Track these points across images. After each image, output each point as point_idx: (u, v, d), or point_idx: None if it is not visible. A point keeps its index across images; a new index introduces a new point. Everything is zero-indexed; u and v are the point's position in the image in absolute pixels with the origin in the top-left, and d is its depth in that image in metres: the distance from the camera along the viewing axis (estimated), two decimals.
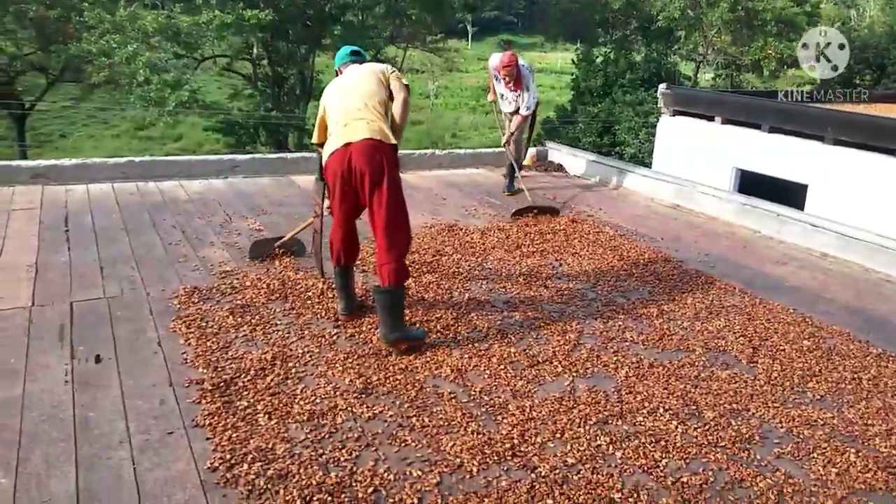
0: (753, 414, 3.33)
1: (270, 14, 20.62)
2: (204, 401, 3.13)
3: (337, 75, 4.12)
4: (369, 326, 3.91)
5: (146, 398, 3.15)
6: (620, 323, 4.23)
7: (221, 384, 3.27)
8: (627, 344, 3.97)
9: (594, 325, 4.19)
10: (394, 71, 3.92)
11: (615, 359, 3.77)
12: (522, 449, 2.94)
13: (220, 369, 3.41)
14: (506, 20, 57.62)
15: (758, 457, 3.00)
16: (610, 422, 3.19)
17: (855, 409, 3.44)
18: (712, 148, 8.59)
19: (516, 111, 6.93)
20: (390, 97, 3.84)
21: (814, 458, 3.02)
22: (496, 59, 6.92)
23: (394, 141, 3.66)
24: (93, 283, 4.35)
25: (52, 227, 5.31)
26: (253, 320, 3.95)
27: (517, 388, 3.42)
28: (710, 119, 8.65)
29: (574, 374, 3.59)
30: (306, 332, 3.85)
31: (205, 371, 3.39)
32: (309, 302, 4.21)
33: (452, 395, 3.32)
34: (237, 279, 4.50)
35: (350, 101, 3.73)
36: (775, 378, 3.68)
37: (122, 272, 4.54)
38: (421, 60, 31.11)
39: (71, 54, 18.81)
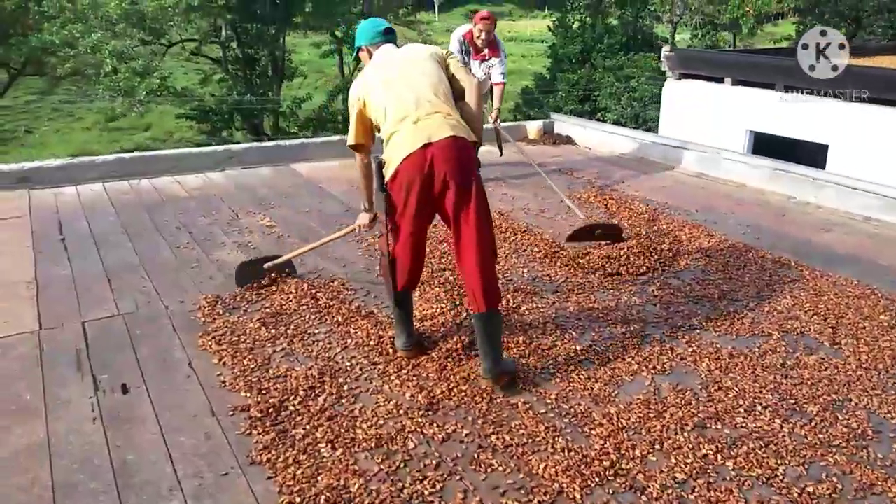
0: (857, 405, 3.04)
1: None
2: (255, 431, 2.77)
3: (358, 58, 3.41)
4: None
5: (189, 433, 2.78)
6: (683, 308, 3.92)
7: (270, 410, 2.91)
8: (698, 332, 3.66)
9: (655, 311, 3.87)
10: (452, 55, 3.27)
11: (690, 350, 3.46)
12: (623, 466, 2.62)
13: (264, 392, 3.04)
14: None
15: (879, 455, 2.72)
16: (708, 425, 2.88)
17: None
18: (723, 111, 8.29)
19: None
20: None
21: None
22: (463, 28, 6.10)
23: (475, 139, 3.06)
24: (103, 298, 3.93)
25: (46, 236, 4.87)
26: (288, 331, 3.58)
27: (595, 392, 3.10)
28: (720, 81, 8.33)
29: (652, 372, 3.27)
30: (349, 340, 3.49)
31: (248, 395, 3.02)
32: (344, 308, 3.84)
33: (528, 406, 2.99)
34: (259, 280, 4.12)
35: (414, 91, 3.01)
36: (866, 361, 3.40)
37: (133, 283, 4.13)
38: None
39: (32, 46, 17.99)
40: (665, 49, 9.05)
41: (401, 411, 2.93)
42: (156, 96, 20.75)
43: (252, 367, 3.24)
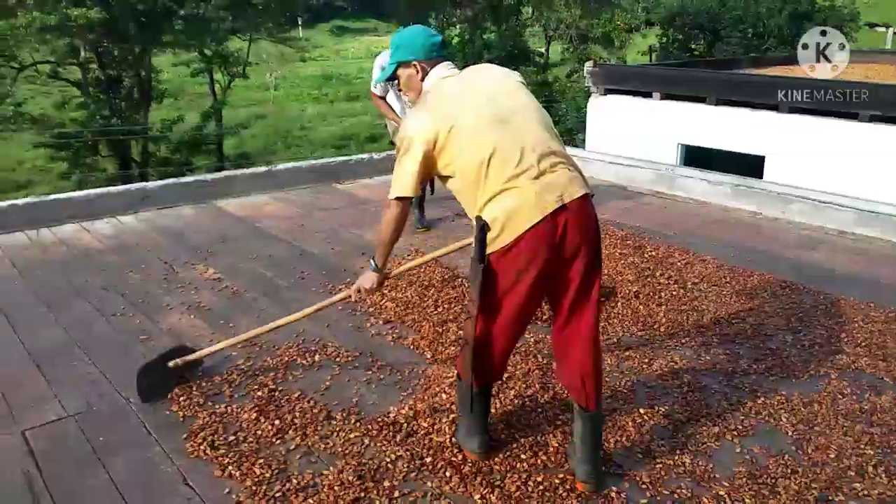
0: None
1: (100, 12, 18.26)
2: None
3: (394, 76, 2.56)
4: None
5: None
6: (722, 348, 3.57)
7: None
8: (753, 377, 3.31)
9: (698, 356, 3.50)
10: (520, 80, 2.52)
11: (761, 401, 3.10)
12: None
13: None
14: (336, 5, 55.65)
15: None
16: (830, 497, 2.50)
17: None
18: (652, 125, 8.20)
19: None
20: None
21: None
22: (386, 55, 5.35)
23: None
24: (39, 394, 3.09)
25: None
26: (295, 420, 2.91)
27: (689, 467, 2.66)
28: (647, 95, 8.24)
29: (735, 434, 2.87)
30: (373, 424, 2.87)
31: None
32: (354, 370, 3.21)
33: (624, 496, 2.50)
34: (238, 358, 3.40)
35: (531, 133, 2.30)
36: None
37: (73, 370, 3.30)
38: (267, 52, 29.16)
39: None
40: (588, 65, 8.89)
41: None
42: (10, 124, 18.73)
43: (268, 476, 2.56)
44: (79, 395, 3.07)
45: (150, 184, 5.96)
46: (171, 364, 3.06)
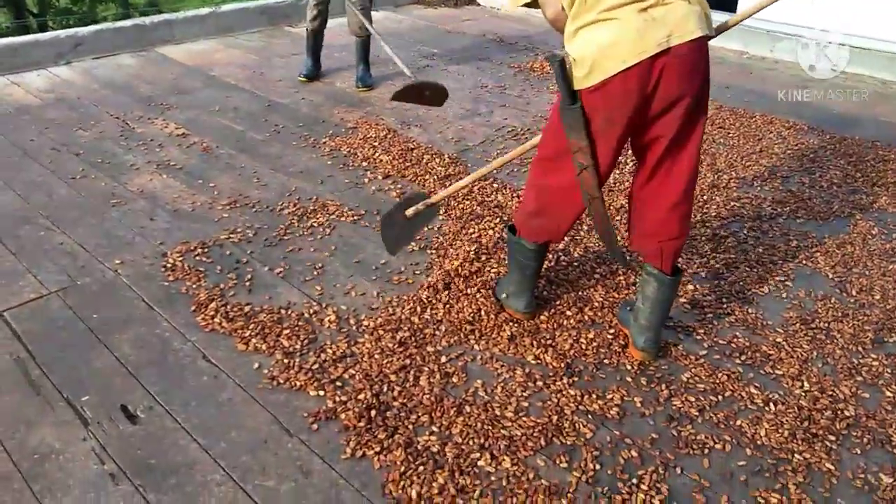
0: None
1: None
2: (369, 451, 1.93)
3: None
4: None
5: (273, 474, 1.88)
6: (742, 192, 3.42)
7: (368, 409, 2.06)
8: (781, 221, 3.19)
9: (722, 201, 3.34)
10: None
11: (794, 244, 2.99)
12: (846, 413, 2.12)
13: (339, 383, 2.17)
14: None
15: None
16: (887, 339, 2.45)
17: None
18: None
19: None
20: None
21: None
22: None
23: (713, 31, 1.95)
24: (8, 269, 2.71)
25: None
26: (317, 285, 2.64)
27: (740, 316, 2.55)
28: None
29: (775, 279, 2.76)
30: (401, 286, 2.63)
31: (321, 392, 2.13)
32: (363, 228, 2.93)
33: (684, 351, 2.38)
34: (234, 217, 3.07)
35: None
36: None
37: (43, 241, 2.90)
38: None
39: None
40: None
41: (538, 383, 2.20)
42: None
43: (298, 347, 2.32)
44: (56, 269, 2.70)
45: (83, 30, 5.21)
46: (409, 212, 2.61)
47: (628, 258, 2.70)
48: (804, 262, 2.89)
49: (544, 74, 5.02)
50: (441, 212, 3.11)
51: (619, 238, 2.37)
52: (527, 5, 2.05)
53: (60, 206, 3.16)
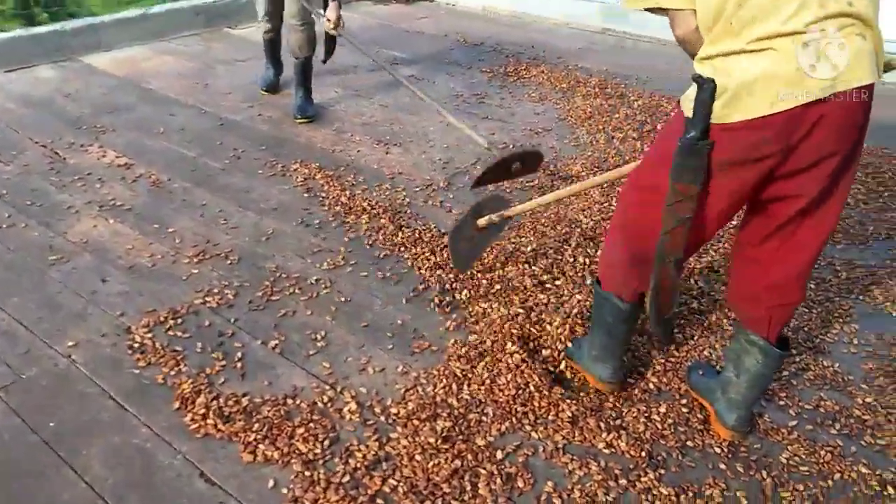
0: None
1: None
2: None
3: None
4: None
5: None
6: None
7: None
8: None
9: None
10: None
11: (844, 276, 2.71)
12: None
13: (381, 501, 1.74)
14: None
15: None
16: None
17: None
18: None
19: None
20: None
21: None
22: None
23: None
24: None
25: None
26: (325, 361, 2.19)
27: (821, 370, 2.24)
28: None
29: (840, 321, 2.47)
30: (425, 359, 2.21)
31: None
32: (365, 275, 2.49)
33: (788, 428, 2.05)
34: (205, 273, 2.56)
35: None
36: None
37: None
38: None
39: None
40: None
41: (621, 481, 1.82)
42: None
43: (319, 452, 1.87)
44: None
45: None
46: (481, 222, 2.41)
47: (675, 332, 2.32)
48: (860, 297, 2.61)
49: (520, 80, 4.63)
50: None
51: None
52: (650, 10, 1.61)
53: None
